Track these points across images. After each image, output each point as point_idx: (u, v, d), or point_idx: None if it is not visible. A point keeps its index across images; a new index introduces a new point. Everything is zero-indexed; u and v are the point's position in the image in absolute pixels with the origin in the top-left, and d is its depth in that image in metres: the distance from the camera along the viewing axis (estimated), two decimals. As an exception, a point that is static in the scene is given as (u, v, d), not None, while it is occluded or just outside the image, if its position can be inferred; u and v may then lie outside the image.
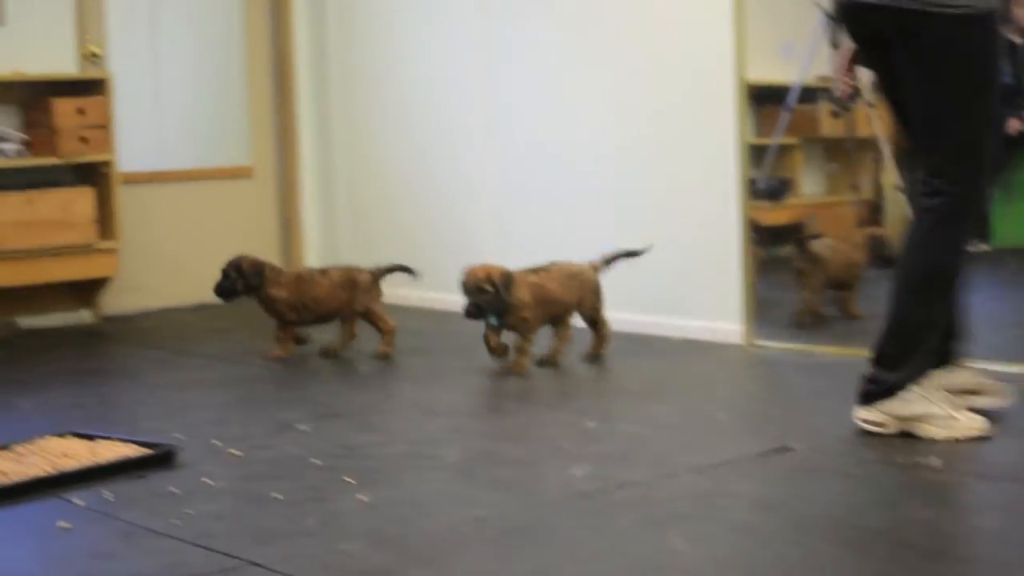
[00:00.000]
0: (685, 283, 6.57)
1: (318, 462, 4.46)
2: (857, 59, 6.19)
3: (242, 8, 8.26)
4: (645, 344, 6.46)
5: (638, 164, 6.73)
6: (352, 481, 4.20)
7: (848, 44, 6.04)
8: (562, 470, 4.29)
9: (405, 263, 6.49)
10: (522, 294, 5.85)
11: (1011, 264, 6.77)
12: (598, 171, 6.90)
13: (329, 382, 5.87)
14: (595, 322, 6.14)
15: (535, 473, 4.28)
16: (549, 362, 5.98)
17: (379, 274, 6.41)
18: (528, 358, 5.88)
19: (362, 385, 5.77)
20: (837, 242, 6.62)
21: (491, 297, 5.77)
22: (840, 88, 6.70)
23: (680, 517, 3.79)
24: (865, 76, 6.39)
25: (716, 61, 6.33)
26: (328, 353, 6.35)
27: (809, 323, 6.51)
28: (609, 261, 6.18)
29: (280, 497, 4.06)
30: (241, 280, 6.23)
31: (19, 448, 4.65)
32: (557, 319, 6.05)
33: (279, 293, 6.26)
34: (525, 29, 7.19)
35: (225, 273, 6.26)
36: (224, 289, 6.26)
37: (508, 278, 5.82)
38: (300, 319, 6.33)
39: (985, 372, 4.96)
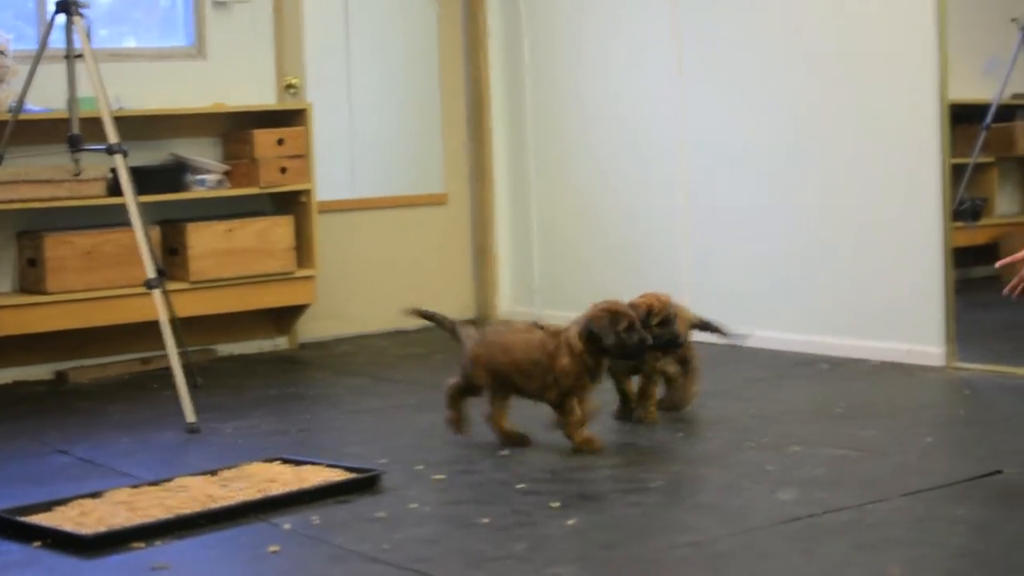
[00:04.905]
0: (885, 305, 6.46)
1: (522, 486, 4.46)
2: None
3: (436, 39, 8.31)
4: (843, 367, 6.37)
5: (838, 186, 6.63)
6: (558, 505, 4.20)
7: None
8: (769, 494, 4.24)
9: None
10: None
11: None
12: (797, 192, 6.80)
13: (526, 408, 5.85)
14: (686, 361, 5.51)
15: (742, 498, 4.23)
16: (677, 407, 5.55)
17: None
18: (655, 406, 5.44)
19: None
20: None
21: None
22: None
23: (895, 542, 3.72)
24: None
25: (920, 82, 6.22)
26: None
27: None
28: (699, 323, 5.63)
29: (487, 521, 4.07)
30: None
31: (225, 473, 4.72)
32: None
33: None
34: (719, 52, 7.13)
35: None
36: None
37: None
38: None
39: None
